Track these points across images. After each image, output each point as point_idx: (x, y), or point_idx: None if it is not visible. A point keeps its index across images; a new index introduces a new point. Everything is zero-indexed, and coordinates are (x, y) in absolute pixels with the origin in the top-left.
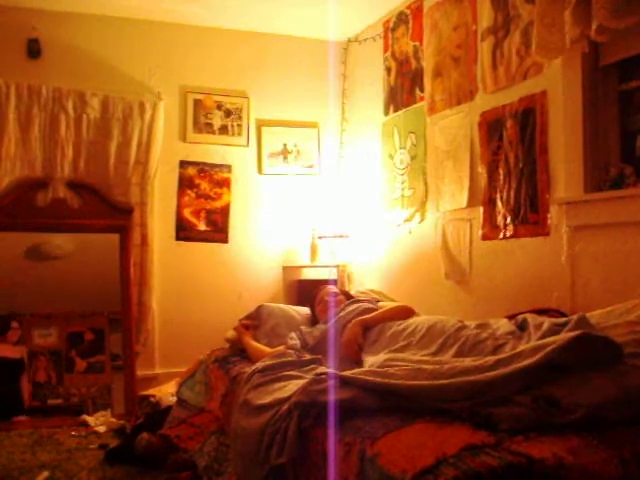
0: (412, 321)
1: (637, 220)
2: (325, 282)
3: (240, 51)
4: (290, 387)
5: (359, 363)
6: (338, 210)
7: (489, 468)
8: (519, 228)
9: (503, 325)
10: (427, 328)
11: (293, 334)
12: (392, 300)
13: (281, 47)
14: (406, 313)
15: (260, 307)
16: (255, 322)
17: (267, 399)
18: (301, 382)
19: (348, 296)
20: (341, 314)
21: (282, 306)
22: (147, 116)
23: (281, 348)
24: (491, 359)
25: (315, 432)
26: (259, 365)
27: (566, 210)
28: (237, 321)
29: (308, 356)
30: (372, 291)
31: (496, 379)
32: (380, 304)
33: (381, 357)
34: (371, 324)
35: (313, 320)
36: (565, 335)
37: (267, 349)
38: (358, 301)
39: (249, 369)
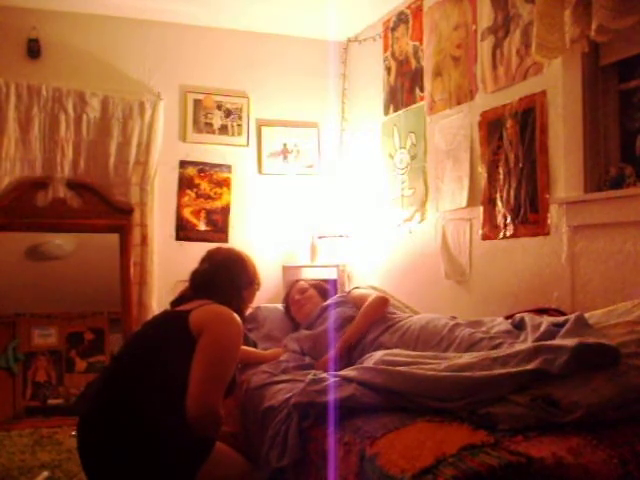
0: (402, 324)
1: (637, 220)
2: (296, 280)
3: (240, 51)
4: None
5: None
6: (338, 210)
7: (488, 468)
8: (519, 228)
9: (499, 324)
10: (420, 329)
11: (291, 341)
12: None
13: (281, 47)
14: (380, 308)
15: (257, 309)
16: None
17: (269, 402)
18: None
19: (320, 289)
20: (321, 328)
21: (280, 306)
22: (147, 116)
23: (281, 350)
24: (488, 357)
25: (315, 432)
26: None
27: (566, 210)
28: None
29: (308, 359)
30: (373, 287)
31: (491, 379)
32: (355, 293)
33: (380, 353)
34: (353, 341)
35: (293, 322)
36: (561, 344)
37: (267, 353)
38: (335, 305)
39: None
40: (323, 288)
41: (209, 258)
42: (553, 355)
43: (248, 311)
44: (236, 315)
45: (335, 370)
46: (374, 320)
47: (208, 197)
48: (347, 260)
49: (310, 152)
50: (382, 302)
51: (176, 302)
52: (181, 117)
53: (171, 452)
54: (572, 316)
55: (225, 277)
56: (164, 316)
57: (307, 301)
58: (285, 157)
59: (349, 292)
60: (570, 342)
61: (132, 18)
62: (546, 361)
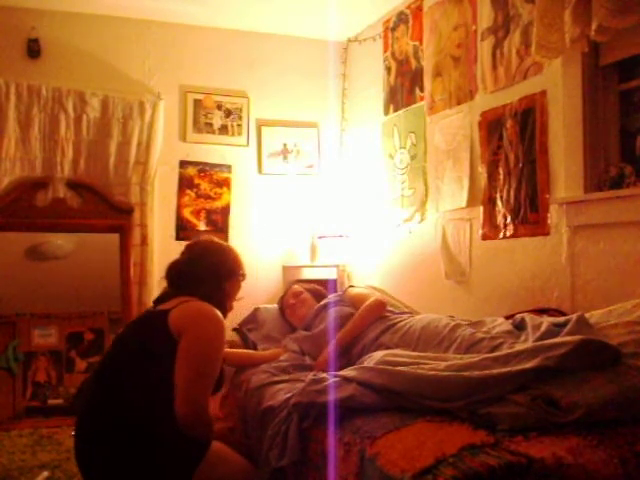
0: (403, 324)
1: (637, 220)
2: (291, 283)
3: (240, 51)
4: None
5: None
6: (338, 210)
7: (488, 468)
8: (519, 228)
9: (500, 324)
10: (420, 329)
11: (290, 341)
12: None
13: (281, 47)
14: (378, 311)
15: (257, 310)
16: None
17: (269, 402)
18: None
19: (315, 293)
20: (320, 327)
21: (278, 307)
22: (147, 116)
23: (280, 351)
24: (489, 357)
25: (315, 432)
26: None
27: (566, 210)
28: (235, 323)
29: (308, 359)
30: (372, 287)
31: (492, 378)
32: (351, 292)
33: (380, 353)
34: (348, 341)
35: (289, 325)
36: (563, 340)
37: (267, 354)
38: (333, 304)
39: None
40: (318, 292)
41: (187, 250)
42: (553, 352)
43: (250, 310)
44: (217, 311)
45: (334, 369)
46: (370, 322)
47: (208, 197)
48: (347, 260)
49: (310, 152)
50: (380, 305)
51: (158, 300)
52: (181, 117)
53: (165, 453)
54: (573, 316)
55: (202, 268)
56: (145, 316)
57: (302, 305)
58: (285, 157)
59: (344, 291)
60: (572, 338)
61: (132, 18)
62: (546, 358)
